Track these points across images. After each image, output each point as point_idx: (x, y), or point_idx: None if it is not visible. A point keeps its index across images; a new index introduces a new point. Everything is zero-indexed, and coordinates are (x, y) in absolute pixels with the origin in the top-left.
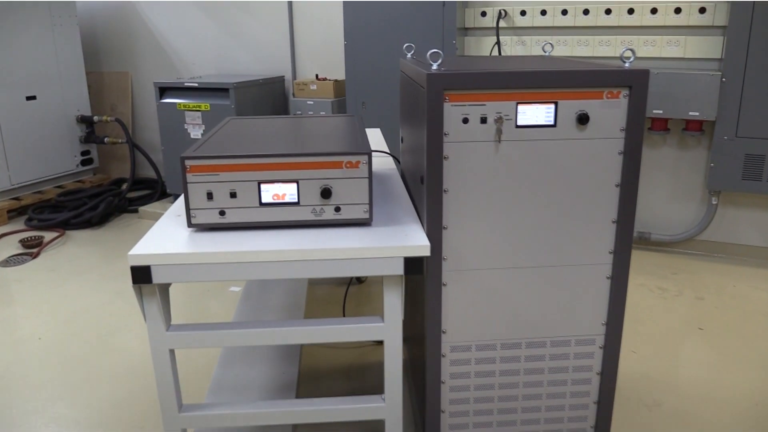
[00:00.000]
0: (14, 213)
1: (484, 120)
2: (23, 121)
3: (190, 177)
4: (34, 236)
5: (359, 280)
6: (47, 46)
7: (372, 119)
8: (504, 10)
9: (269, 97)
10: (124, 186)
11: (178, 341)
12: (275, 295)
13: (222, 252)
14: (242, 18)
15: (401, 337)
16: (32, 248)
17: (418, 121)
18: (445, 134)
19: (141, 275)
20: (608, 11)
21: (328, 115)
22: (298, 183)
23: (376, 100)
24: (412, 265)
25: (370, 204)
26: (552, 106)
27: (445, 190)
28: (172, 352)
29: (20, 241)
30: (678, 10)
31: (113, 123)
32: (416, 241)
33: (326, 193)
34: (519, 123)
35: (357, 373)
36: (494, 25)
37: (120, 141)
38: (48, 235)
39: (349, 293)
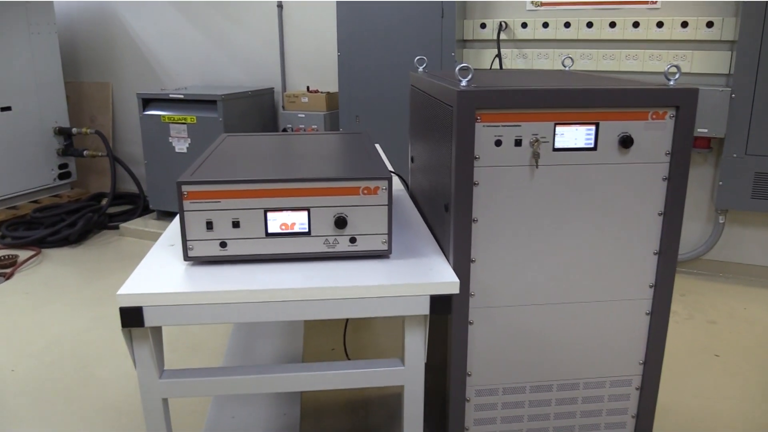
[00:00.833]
0: None
1: (518, 142)
2: None
3: (187, 204)
4: (8, 255)
5: None
6: (23, 54)
7: None
8: (504, 22)
9: (258, 109)
10: (104, 201)
11: (172, 390)
12: (268, 326)
13: (225, 291)
14: (229, 27)
15: (423, 383)
16: (5, 268)
17: (441, 141)
18: (476, 158)
19: (131, 318)
20: (612, 24)
21: (334, 132)
22: (309, 211)
23: (371, 114)
24: (439, 303)
25: (389, 234)
26: (592, 128)
27: (474, 220)
28: (165, 401)
29: None
30: (685, 24)
31: (93, 135)
32: (443, 276)
33: (341, 223)
34: (557, 146)
35: (362, 407)
36: (494, 37)
37: (100, 154)
38: (23, 254)
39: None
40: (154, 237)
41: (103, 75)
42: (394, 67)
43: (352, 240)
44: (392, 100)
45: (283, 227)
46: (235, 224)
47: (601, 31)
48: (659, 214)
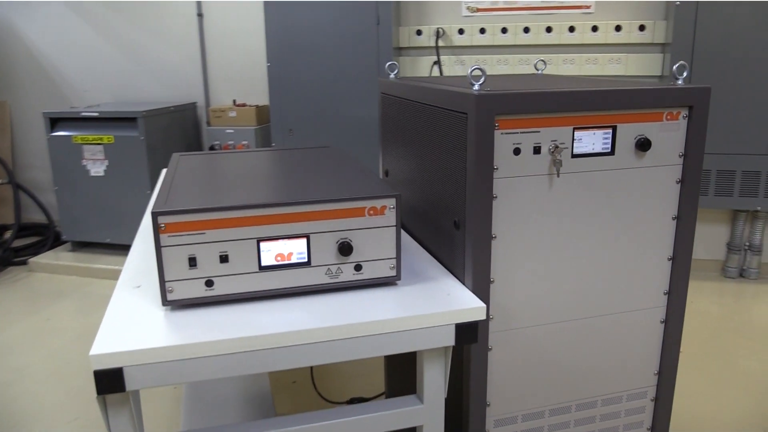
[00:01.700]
0: None
1: (537, 150)
2: None
3: (165, 239)
4: None
5: None
6: None
7: None
8: (441, 29)
9: (181, 126)
10: (8, 234)
11: None
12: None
13: (220, 340)
14: (144, 38)
15: (443, 421)
16: None
17: (445, 152)
18: (495, 169)
19: (110, 382)
20: (549, 29)
21: (300, 148)
22: (308, 238)
23: (306, 127)
24: (466, 332)
25: (398, 258)
26: (609, 132)
27: (493, 237)
28: None
29: None
30: (618, 28)
31: None
32: (466, 301)
33: (345, 249)
34: (575, 152)
35: None
36: (430, 44)
37: (0, 181)
38: None
39: None
40: (70, 271)
41: None
42: (328, 76)
43: (357, 267)
44: (329, 111)
45: (279, 258)
46: (223, 258)
47: (538, 36)
48: (673, 218)
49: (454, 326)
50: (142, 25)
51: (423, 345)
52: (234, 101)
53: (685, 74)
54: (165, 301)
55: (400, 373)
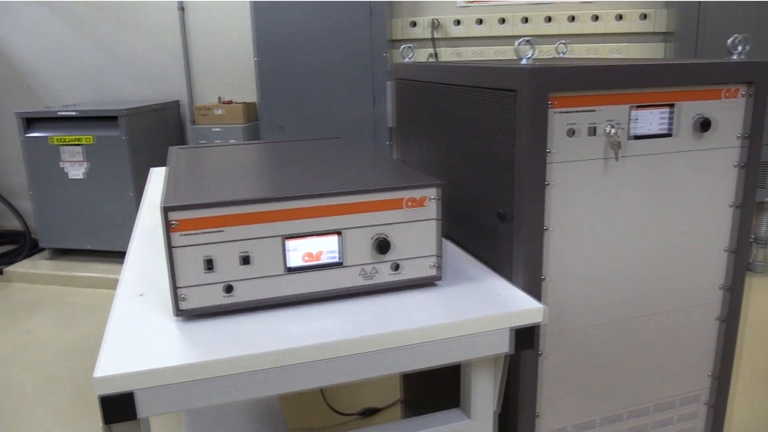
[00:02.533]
0: None
1: (593, 130)
2: None
3: (177, 238)
4: None
5: None
6: None
7: None
8: (437, 20)
9: (163, 126)
10: None
11: None
12: None
13: (246, 356)
14: (123, 34)
15: None
16: None
17: (485, 137)
18: (548, 152)
19: (119, 409)
20: (549, 19)
21: (311, 138)
22: (341, 234)
23: (297, 124)
24: (523, 337)
25: (441, 256)
26: (666, 111)
27: (545, 229)
28: None
29: None
30: (619, 17)
31: None
32: (521, 302)
33: (383, 246)
34: (633, 133)
35: None
36: (425, 36)
37: None
38: None
39: None
40: (49, 280)
41: None
42: (320, 71)
43: (395, 267)
44: (321, 107)
45: (308, 258)
46: (245, 260)
47: (537, 27)
48: (730, 206)
49: (510, 331)
50: (119, 20)
51: (476, 353)
52: (219, 98)
53: (740, 48)
54: (177, 311)
55: (419, 379)
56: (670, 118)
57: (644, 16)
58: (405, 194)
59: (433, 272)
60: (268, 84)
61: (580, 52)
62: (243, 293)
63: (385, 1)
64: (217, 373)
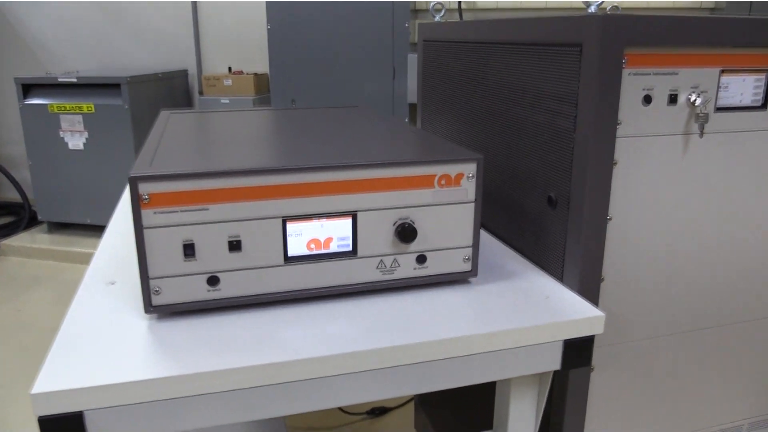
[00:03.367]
0: None
1: (673, 98)
2: None
3: (150, 216)
4: None
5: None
6: None
7: None
8: None
9: (170, 95)
10: None
11: None
12: None
13: (233, 370)
14: None
15: None
16: None
17: (532, 105)
18: (618, 124)
19: None
20: None
21: (327, 107)
22: (355, 218)
23: (310, 97)
24: (576, 352)
25: (476, 247)
26: (762, 78)
27: (608, 218)
28: None
29: None
30: None
31: None
32: (575, 308)
33: (407, 233)
34: (720, 104)
35: None
36: (452, 6)
37: None
38: None
39: None
40: (45, 255)
41: None
42: (337, 41)
43: (420, 259)
44: (336, 80)
45: (313, 246)
46: (234, 245)
47: None
48: None
49: (560, 344)
50: None
51: (517, 371)
52: (230, 68)
53: None
54: (149, 307)
55: None
56: (766, 88)
57: None
58: (437, 170)
59: (466, 267)
60: (281, 54)
61: None
62: (231, 287)
63: None
64: (195, 391)
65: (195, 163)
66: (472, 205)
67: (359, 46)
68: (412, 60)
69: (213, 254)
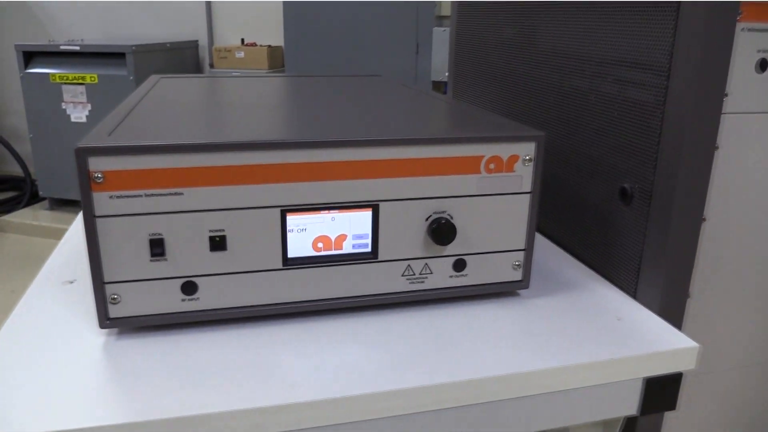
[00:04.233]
0: None
1: None
2: None
3: (104, 202)
4: None
5: None
6: None
7: None
8: None
9: (179, 67)
10: None
11: None
12: None
13: (209, 416)
14: None
15: None
16: None
17: (602, 78)
18: (725, 95)
19: None
20: None
21: (343, 75)
22: (376, 210)
23: (326, 71)
24: (659, 392)
25: (530, 249)
26: None
27: (702, 219)
28: None
29: None
30: None
31: None
32: (659, 335)
33: (442, 231)
34: None
35: None
36: None
37: None
38: None
39: None
40: (46, 233)
41: None
42: (356, 11)
43: (459, 265)
44: (354, 55)
45: (321, 246)
46: (217, 242)
47: None
48: None
49: (642, 382)
50: None
51: (581, 417)
52: (242, 40)
53: None
54: (104, 320)
55: None
56: None
57: None
58: (485, 150)
59: (515, 276)
60: (296, 26)
61: None
62: (212, 296)
63: None
64: None
65: (168, 134)
66: (528, 197)
67: (380, 19)
68: (438, 34)
69: (189, 253)
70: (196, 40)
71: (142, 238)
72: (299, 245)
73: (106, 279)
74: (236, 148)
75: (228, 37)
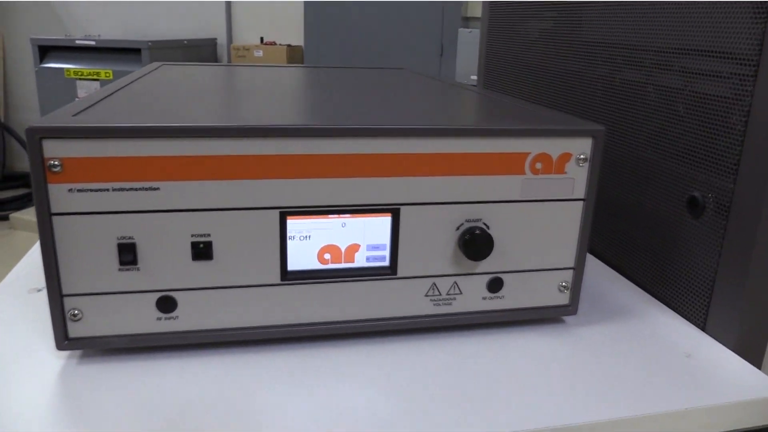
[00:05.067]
0: None
1: None
2: None
3: (61, 196)
4: None
5: None
6: None
7: None
8: None
9: None
10: None
11: None
12: None
13: None
14: None
15: None
16: None
17: (640, 69)
18: None
19: None
20: None
21: (363, 66)
22: (396, 215)
23: None
24: None
25: (580, 268)
26: None
27: None
28: None
29: None
30: None
31: None
32: (741, 378)
33: (477, 244)
34: None
35: None
36: None
37: None
38: None
39: None
40: None
41: None
42: (379, 11)
43: (494, 285)
44: (376, 54)
45: (329, 257)
46: (201, 249)
47: None
48: None
49: None
50: None
51: None
52: (261, 39)
53: None
54: (62, 341)
55: None
56: None
57: None
58: (531, 146)
59: (562, 299)
60: (317, 25)
61: None
62: (194, 315)
63: None
64: None
65: (145, 116)
66: (581, 205)
67: (404, 19)
68: (464, 35)
69: (166, 262)
70: (215, 38)
71: (108, 242)
72: (301, 256)
73: (65, 291)
74: (226, 134)
75: (247, 35)
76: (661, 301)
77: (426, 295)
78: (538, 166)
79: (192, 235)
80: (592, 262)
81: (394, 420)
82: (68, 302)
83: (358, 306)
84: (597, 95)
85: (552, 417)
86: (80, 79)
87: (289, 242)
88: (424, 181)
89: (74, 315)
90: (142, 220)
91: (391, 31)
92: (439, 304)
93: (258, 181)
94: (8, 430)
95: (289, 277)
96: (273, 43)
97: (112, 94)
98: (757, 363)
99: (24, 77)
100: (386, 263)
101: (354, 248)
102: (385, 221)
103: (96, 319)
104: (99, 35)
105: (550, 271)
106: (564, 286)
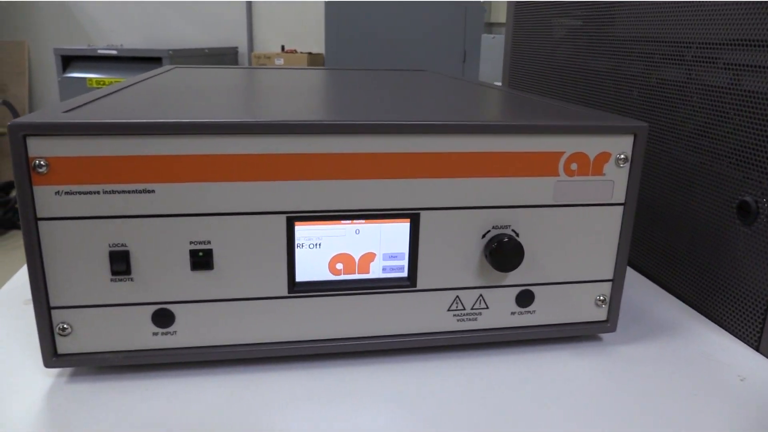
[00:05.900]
0: None
1: None
2: None
3: (48, 199)
4: None
5: None
6: None
7: None
8: None
9: None
10: (14, 193)
11: None
12: None
13: None
14: None
15: None
16: None
17: (683, 66)
18: None
19: None
20: None
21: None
22: (416, 220)
23: None
24: None
25: (620, 281)
26: None
27: None
28: None
29: None
30: None
31: (0, 107)
32: None
33: (506, 253)
34: None
35: None
36: None
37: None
38: None
39: None
40: None
41: (16, 32)
42: (400, 18)
43: (525, 298)
44: (398, 61)
45: (341, 267)
46: (200, 258)
47: None
48: None
49: None
50: None
51: None
52: (282, 47)
53: None
54: (50, 358)
55: None
56: None
57: None
58: (565, 144)
59: (599, 314)
60: (338, 33)
61: None
62: (193, 330)
63: None
64: None
65: (139, 112)
66: (620, 210)
67: (426, 25)
68: (487, 41)
69: (163, 272)
70: (236, 47)
71: (99, 250)
72: (311, 266)
73: (53, 303)
74: (227, 131)
75: (268, 43)
76: (708, 318)
77: (448, 310)
78: (574, 167)
79: (190, 243)
80: (630, 274)
81: None
82: (56, 315)
83: (373, 321)
84: (632, 94)
85: None
86: (102, 88)
87: (297, 250)
88: (447, 183)
89: (63, 329)
90: (135, 226)
91: (413, 38)
92: (463, 320)
93: (263, 182)
94: None
95: (297, 289)
96: (294, 51)
97: (112, 93)
98: None
99: (48, 87)
100: (404, 274)
101: (369, 257)
102: (403, 227)
103: (86, 334)
104: (121, 45)
105: (585, 284)
106: (601, 300)
